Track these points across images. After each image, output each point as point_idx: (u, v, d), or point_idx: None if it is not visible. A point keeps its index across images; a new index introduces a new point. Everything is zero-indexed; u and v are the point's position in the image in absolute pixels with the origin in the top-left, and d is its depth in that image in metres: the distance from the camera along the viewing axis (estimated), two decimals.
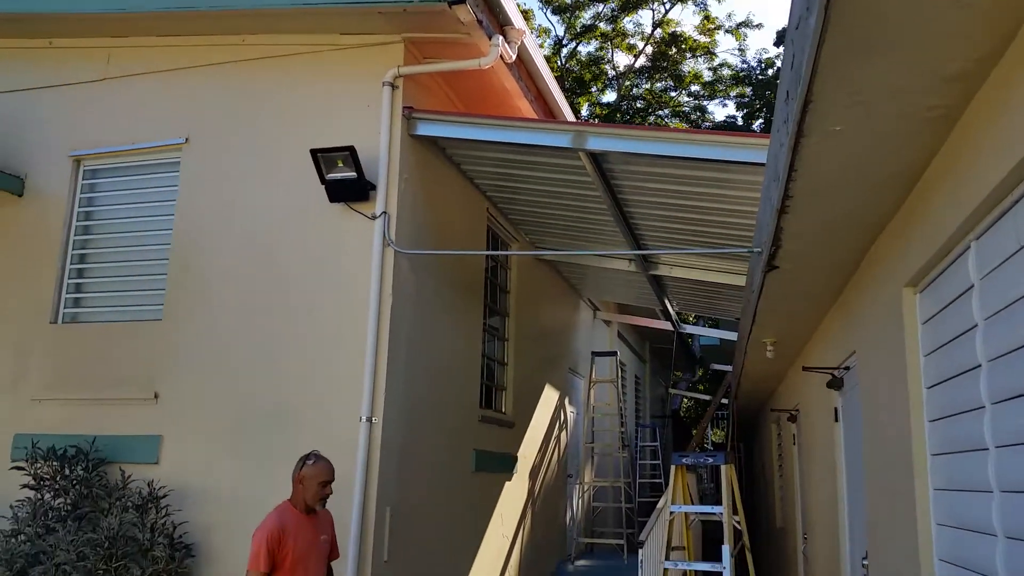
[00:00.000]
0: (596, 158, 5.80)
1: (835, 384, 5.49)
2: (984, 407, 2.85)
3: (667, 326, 12.39)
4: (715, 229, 6.77)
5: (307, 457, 4.24)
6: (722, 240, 6.93)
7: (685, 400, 26.91)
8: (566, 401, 10.65)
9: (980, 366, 2.88)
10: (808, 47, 2.39)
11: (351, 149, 5.36)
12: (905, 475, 3.74)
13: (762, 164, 4.54)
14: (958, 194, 2.86)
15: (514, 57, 6.00)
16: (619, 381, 12.30)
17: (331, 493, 4.24)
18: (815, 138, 2.91)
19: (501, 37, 5.78)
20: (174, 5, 6.08)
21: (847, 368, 5.30)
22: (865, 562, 4.81)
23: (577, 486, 11.05)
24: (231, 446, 5.64)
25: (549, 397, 9.72)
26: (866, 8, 2.13)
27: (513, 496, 8.09)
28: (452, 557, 6.47)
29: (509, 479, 7.97)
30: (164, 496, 5.48)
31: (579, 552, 10.57)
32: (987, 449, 2.83)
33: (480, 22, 5.51)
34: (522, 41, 6.05)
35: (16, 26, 6.97)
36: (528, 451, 8.71)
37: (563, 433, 10.42)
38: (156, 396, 5.90)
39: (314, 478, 4.15)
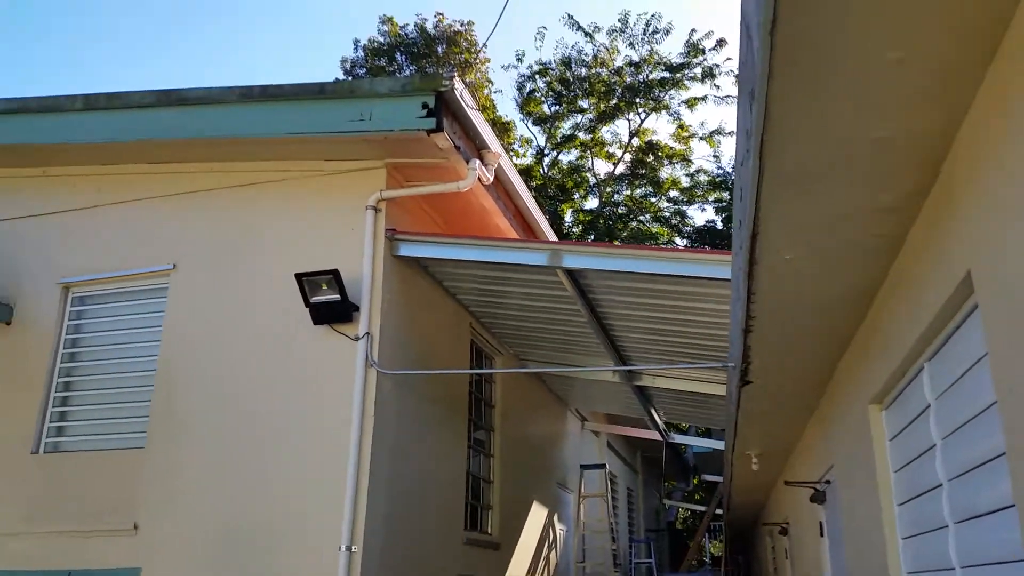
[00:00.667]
0: (573, 275, 5.97)
1: (818, 498, 5.47)
2: (947, 526, 2.87)
3: (657, 436, 12.30)
4: (694, 340, 6.87)
5: None
6: (701, 352, 7.03)
7: (681, 511, 26.28)
8: (555, 518, 10.44)
9: (941, 485, 2.92)
10: (749, 185, 2.56)
11: (335, 272, 5.51)
12: None
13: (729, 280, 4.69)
14: (908, 317, 2.97)
15: (491, 179, 6.26)
16: (609, 495, 12.09)
17: None
18: (767, 264, 3.05)
19: (478, 161, 6.05)
20: (162, 134, 6.35)
21: (828, 482, 5.29)
22: None
23: None
24: None
25: (537, 514, 9.53)
26: (796, 148, 2.31)
27: None
28: None
29: None
30: None
31: None
32: (953, 568, 2.83)
33: (458, 148, 5.78)
34: (498, 163, 6.33)
35: (6, 156, 7.23)
36: (516, 574, 8.47)
37: (552, 553, 10.15)
38: (136, 527, 5.78)
39: None
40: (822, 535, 5.71)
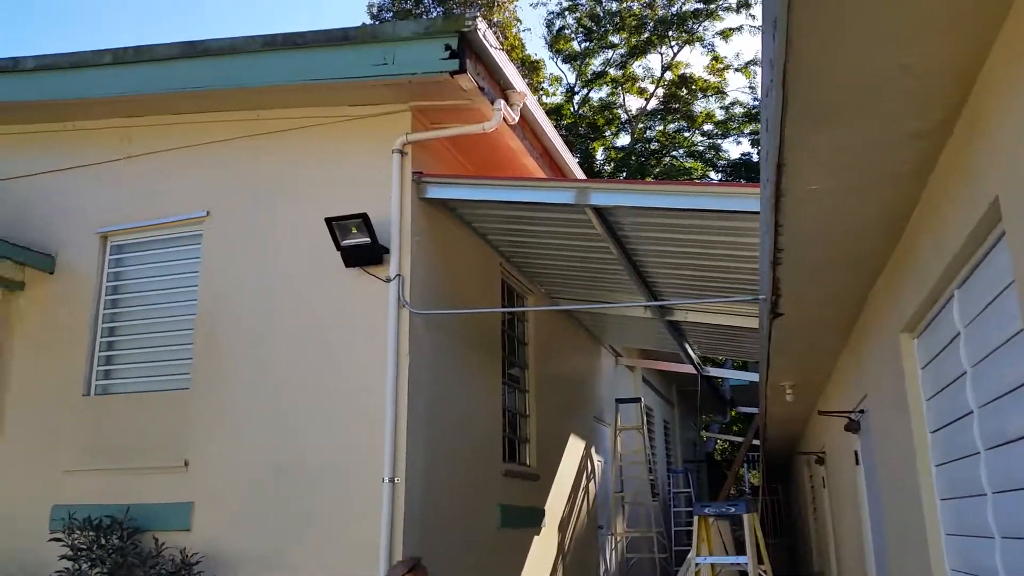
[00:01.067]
0: (602, 212, 5.94)
1: (852, 427, 5.49)
2: (979, 452, 2.89)
3: (691, 370, 12.35)
4: (725, 275, 6.84)
5: (412, 565, 4.30)
6: (732, 285, 6.99)
7: (719, 443, 26.51)
8: (592, 450, 10.63)
9: (972, 412, 2.93)
10: (774, 116, 2.52)
11: (364, 216, 5.56)
12: (918, 520, 3.74)
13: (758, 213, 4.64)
14: (938, 244, 2.94)
15: (517, 119, 6.20)
16: (645, 427, 12.24)
17: None
18: (794, 196, 3.02)
19: (503, 101, 5.99)
20: (188, 85, 6.39)
21: (862, 411, 5.31)
22: None
23: (609, 537, 10.94)
24: (259, 511, 5.75)
25: (575, 447, 9.72)
26: (820, 79, 2.26)
27: (542, 551, 8.06)
28: None
29: (537, 533, 7.96)
30: (197, 563, 5.59)
31: None
32: (985, 495, 2.85)
33: (482, 89, 5.72)
34: (524, 103, 6.26)
35: (40, 112, 7.34)
36: (556, 504, 8.70)
37: (591, 483, 10.38)
38: (186, 464, 6.06)
39: None
40: (857, 463, 5.76)
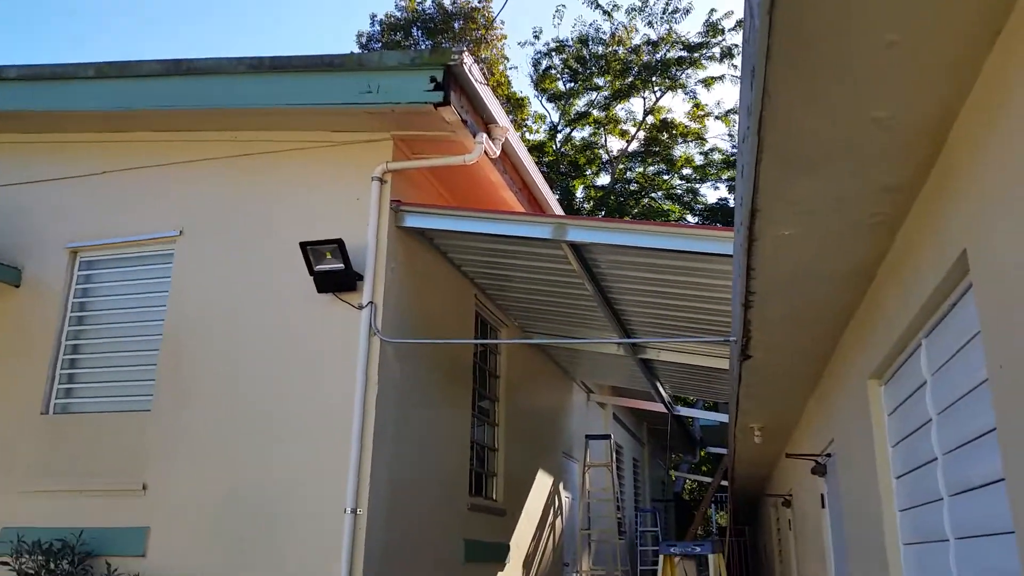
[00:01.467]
0: (578, 248, 5.99)
1: (819, 470, 5.53)
2: (942, 499, 2.92)
3: (662, 408, 12.38)
4: (698, 316, 6.90)
5: None
6: (705, 326, 7.06)
7: (688, 482, 26.50)
8: (560, 486, 10.57)
9: (936, 459, 2.96)
10: (749, 163, 2.58)
11: (339, 242, 5.55)
12: (881, 563, 3.76)
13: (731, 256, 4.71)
14: (907, 294, 3.00)
15: (498, 153, 6.26)
16: (614, 465, 12.21)
17: None
18: (767, 241, 3.07)
19: (485, 135, 6.05)
20: (171, 104, 6.38)
21: (829, 455, 5.35)
22: None
23: (574, 575, 10.84)
24: (218, 538, 5.63)
25: (543, 483, 9.66)
26: (794, 129, 2.32)
27: None
28: None
29: (502, 569, 7.87)
30: None
31: None
32: (947, 540, 2.88)
33: (465, 121, 5.78)
34: (506, 137, 6.33)
35: (17, 122, 7.28)
36: (521, 539, 8.61)
37: (558, 519, 10.30)
38: (144, 487, 5.92)
39: None
40: (823, 506, 5.79)
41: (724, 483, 14.33)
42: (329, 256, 5.58)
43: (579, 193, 25.23)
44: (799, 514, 7.42)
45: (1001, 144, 1.96)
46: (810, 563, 6.74)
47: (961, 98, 2.17)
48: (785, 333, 4.29)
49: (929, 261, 2.67)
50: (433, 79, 5.52)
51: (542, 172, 23.65)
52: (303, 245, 5.61)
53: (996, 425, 2.15)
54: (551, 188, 23.51)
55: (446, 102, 5.51)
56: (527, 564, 8.75)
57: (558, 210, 8.44)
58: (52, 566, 5.45)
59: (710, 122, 24.58)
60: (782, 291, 3.61)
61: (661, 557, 5.54)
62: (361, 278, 5.77)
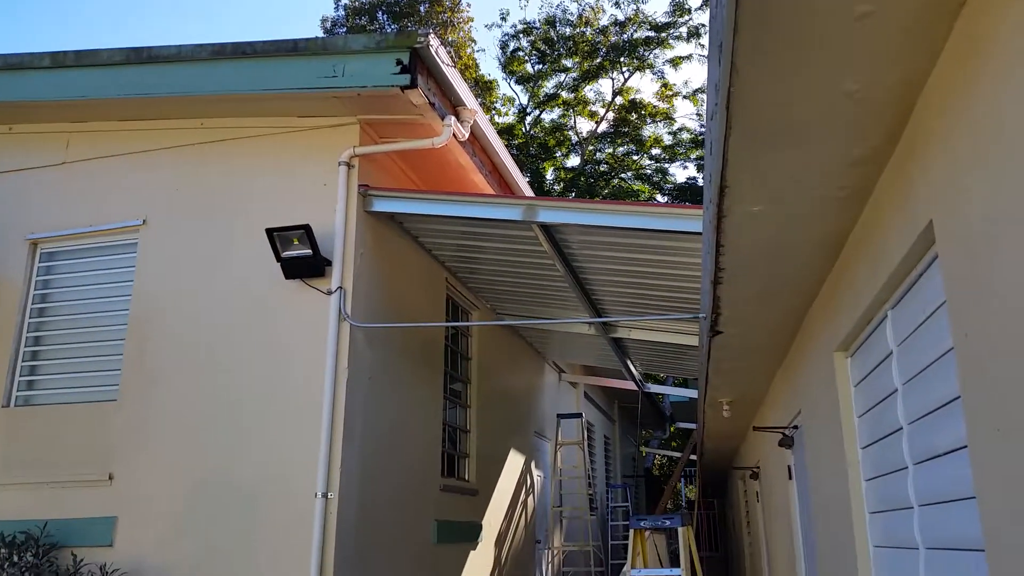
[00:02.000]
0: (549, 230, 6.00)
1: (786, 443, 5.63)
2: (907, 467, 2.99)
3: (633, 386, 12.51)
4: (668, 294, 6.96)
5: None
6: (675, 304, 7.13)
7: (658, 458, 26.86)
8: (532, 465, 10.65)
9: (902, 428, 3.03)
10: (717, 139, 2.59)
11: (306, 227, 5.50)
12: (847, 533, 3.85)
13: (701, 234, 4.75)
14: (873, 266, 3.05)
15: (467, 136, 6.23)
16: (586, 443, 12.32)
17: None
18: (736, 217, 3.10)
19: (454, 117, 6.01)
20: (133, 92, 6.24)
21: (795, 427, 5.45)
22: None
23: (546, 551, 10.96)
24: (188, 525, 5.59)
25: (515, 462, 9.72)
26: (762, 104, 2.33)
27: (479, 565, 8.02)
28: None
29: (474, 548, 7.92)
30: None
31: None
32: (912, 508, 2.95)
33: (432, 104, 5.74)
34: (474, 120, 6.29)
35: None
36: (494, 518, 8.67)
37: (530, 498, 10.39)
38: (111, 477, 5.85)
39: None
40: (790, 478, 5.90)
41: (693, 458, 14.56)
42: (296, 242, 5.53)
43: (549, 175, 25.26)
44: (767, 486, 7.56)
45: (966, 112, 2.00)
46: (777, 533, 6.88)
47: (929, 67, 2.20)
48: (754, 308, 4.35)
49: (896, 232, 2.71)
50: (399, 62, 5.46)
51: (512, 155, 23.66)
52: (269, 231, 5.55)
53: (960, 393, 2.20)
54: (521, 171, 23.50)
55: (413, 85, 5.46)
56: (499, 542, 8.81)
57: (528, 192, 8.44)
58: (15, 559, 5.36)
59: (678, 102, 24.68)
60: (751, 267, 3.66)
61: (631, 531, 5.62)
62: (330, 263, 5.72)
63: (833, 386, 3.93)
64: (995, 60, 1.80)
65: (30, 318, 6.63)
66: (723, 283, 3.90)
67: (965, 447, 2.33)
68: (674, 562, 13.03)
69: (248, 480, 5.55)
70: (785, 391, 5.71)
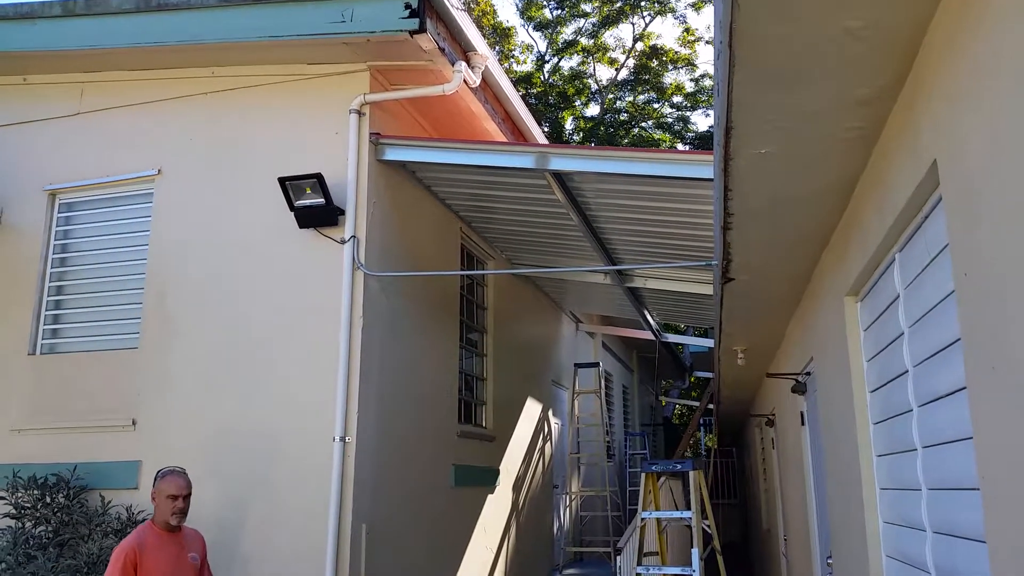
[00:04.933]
0: (562, 178, 5.96)
1: (799, 389, 5.64)
2: (912, 410, 3.00)
3: (651, 336, 12.54)
4: (683, 242, 6.92)
5: (158, 472, 4.16)
6: (690, 252, 7.09)
7: (678, 407, 27.04)
8: (550, 413, 10.77)
9: (907, 371, 3.03)
10: (723, 78, 2.55)
11: (318, 176, 5.51)
12: (855, 476, 3.88)
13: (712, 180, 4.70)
14: (881, 209, 3.01)
15: (478, 82, 6.16)
16: (603, 391, 12.43)
17: (184, 508, 4.08)
18: (743, 160, 3.07)
19: (464, 63, 5.94)
20: (144, 41, 6.23)
21: (808, 373, 5.45)
22: (830, 561, 4.94)
23: (564, 496, 11.15)
24: (210, 470, 5.75)
25: (532, 410, 9.84)
26: (766, 42, 2.29)
27: (496, 509, 8.20)
28: (433, 571, 6.57)
29: (492, 492, 8.08)
30: (143, 520, 5.57)
31: (567, 561, 10.67)
32: (916, 450, 2.97)
33: (443, 50, 5.67)
34: (486, 65, 6.22)
35: None
36: (511, 464, 8.82)
37: (547, 445, 10.54)
38: (134, 423, 6.01)
39: (162, 492, 4.05)
40: (803, 424, 5.93)
41: (711, 406, 14.64)
42: (309, 191, 5.55)
43: (568, 125, 24.97)
44: (781, 432, 7.61)
45: (968, 51, 1.95)
46: (791, 478, 6.95)
47: (934, 4, 2.14)
48: (765, 255, 4.32)
49: (902, 174, 2.68)
50: (408, 6, 5.39)
51: (530, 104, 23.42)
52: (282, 180, 5.57)
53: (960, 333, 2.20)
54: (540, 120, 23.31)
55: (422, 29, 5.40)
56: (517, 487, 8.98)
57: (542, 140, 8.37)
58: (48, 500, 5.56)
59: (700, 47, 24.13)
60: (760, 212, 3.62)
61: (643, 476, 5.71)
62: (343, 212, 5.75)
63: (843, 331, 3.92)
64: None
65: (52, 268, 6.75)
66: (732, 229, 3.87)
67: (963, 388, 2.33)
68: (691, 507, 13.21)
69: (267, 425, 5.69)
70: (798, 338, 5.70)
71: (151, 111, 6.69)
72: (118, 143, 6.71)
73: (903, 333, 3.06)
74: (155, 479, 4.14)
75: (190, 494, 4.15)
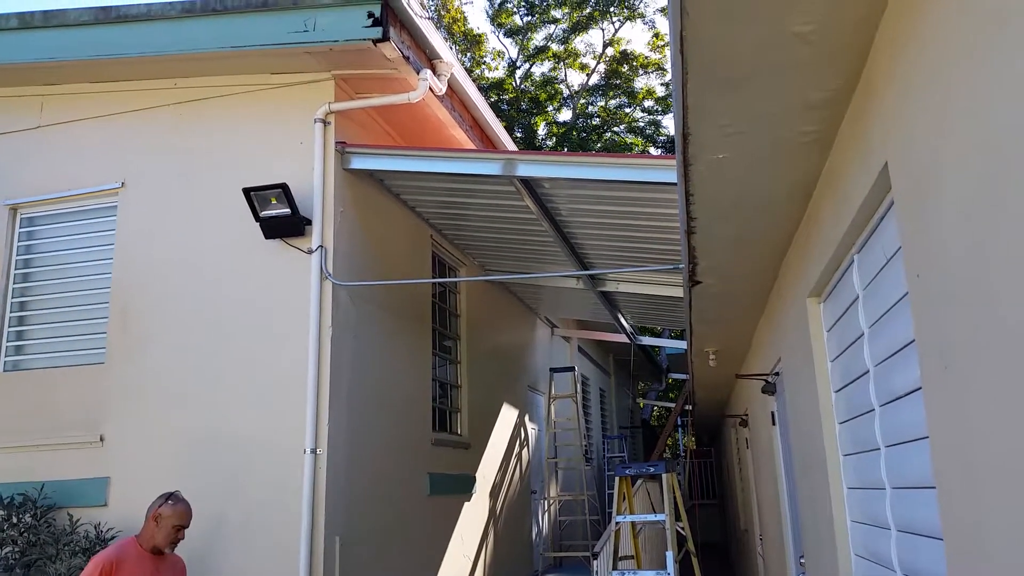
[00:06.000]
0: (530, 184, 5.97)
1: (768, 389, 5.68)
2: (874, 409, 3.03)
3: (626, 339, 12.58)
4: (654, 246, 6.96)
5: (168, 496, 4.09)
6: (660, 256, 7.13)
7: (656, 409, 27.15)
8: (526, 418, 10.76)
9: (868, 371, 3.06)
10: (677, 86, 2.57)
11: (283, 186, 5.47)
12: (823, 475, 3.91)
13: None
14: (838, 212, 3.04)
15: (444, 90, 6.16)
16: (579, 395, 12.44)
17: (183, 539, 4.08)
18: (701, 165, 3.09)
19: (430, 71, 5.94)
20: (104, 53, 6.16)
21: (777, 374, 5.50)
22: (802, 560, 4.97)
23: (542, 501, 11.14)
24: (180, 484, 5.67)
25: (508, 416, 9.82)
26: (715, 48, 2.31)
27: (473, 516, 8.17)
28: None
29: (468, 500, 8.05)
30: (112, 538, 5.49)
31: (546, 566, 10.65)
32: (879, 449, 3.00)
33: (407, 58, 5.66)
34: (452, 73, 6.21)
35: None
36: (488, 471, 8.80)
37: (524, 450, 10.52)
38: (101, 439, 5.92)
39: (170, 519, 4.00)
40: (774, 423, 5.97)
41: (688, 407, 14.72)
42: (274, 201, 5.51)
43: (541, 130, 25.02)
44: (754, 433, 7.66)
45: (913, 52, 1.98)
46: (765, 478, 7.00)
47: (882, 5, 2.17)
48: (730, 257, 4.35)
49: (856, 176, 2.71)
50: (371, 14, 5.38)
51: (502, 110, 23.44)
52: (247, 191, 5.53)
53: (914, 333, 2.22)
54: (513, 126, 23.35)
55: (385, 38, 5.39)
56: (494, 494, 8.96)
57: (511, 147, 8.38)
58: (15, 519, 5.46)
59: (670, 52, 24.32)
60: (723, 216, 3.65)
61: (617, 479, 5.73)
62: (309, 222, 5.71)
63: (807, 332, 3.96)
64: None
65: (14, 284, 6.64)
66: (696, 232, 3.90)
67: (919, 389, 2.36)
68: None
69: (237, 438, 5.62)
70: (766, 339, 5.75)
71: (113, 123, 6.61)
72: (80, 156, 6.62)
73: (863, 334, 3.09)
74: (161, 500, 4.06)
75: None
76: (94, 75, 6.61)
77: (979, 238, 1.66)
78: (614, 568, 5.42)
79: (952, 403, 1.91)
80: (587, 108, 25.24)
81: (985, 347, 1.67)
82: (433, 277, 7.73)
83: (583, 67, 24.89)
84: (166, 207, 6.25)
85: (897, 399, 2.70)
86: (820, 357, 3.86)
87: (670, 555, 5.15)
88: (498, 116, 7.38)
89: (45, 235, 6.70)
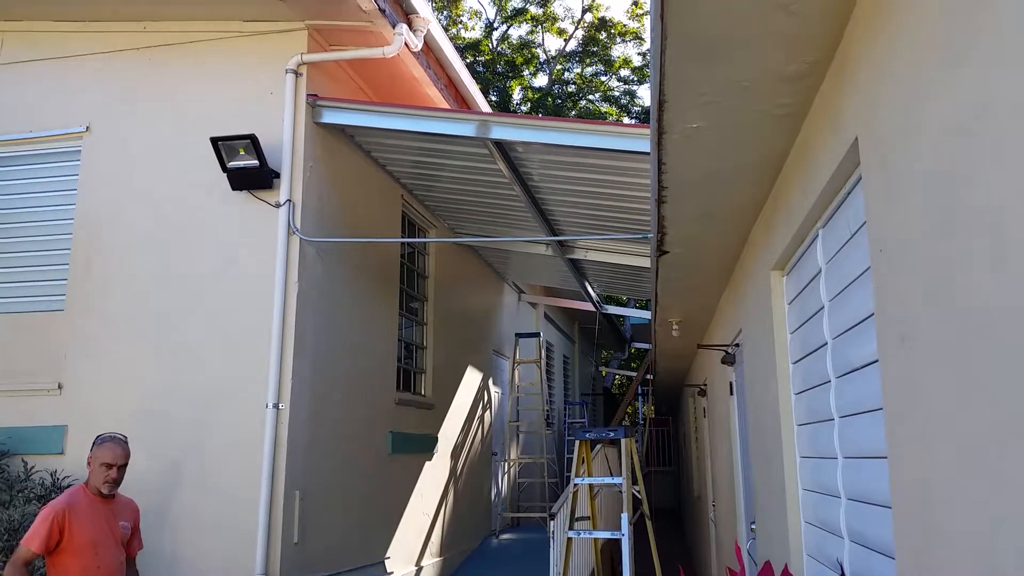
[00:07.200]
0: (504, 148, 5.94)
1: (728, 360, 5.78)
2: (830, 381, 3.11)
3: (592, 308, 12.67)
4: (623, 215, 6.99)
5: (98, 437, 4.06)
6: (629, 225, 7.16)
7: (617, 377, 27.50)
8: (490, 382, 10.84)
9: (827, 344, 3.14)
10: (655, 53, 2.57)
11: (252, 137, 5.38)
12: (777, 444, 4.01)
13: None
14: (806, 186, 3.09)
15: (419, 46, 6.07)
16: (543, 361, 12.55)
17: (116, 478, 3.97)
18: (675, 134, 3.10)
19: (406, 26, 5.84)
20: None
21: (737, 345, 5.60)
22: (753, 526, 5.12)
23: (502, 463, 11.28)
24: (138, 435, 5.63)
25: (471, 379, 9.88)
26: (696, 15, 2.31)
27: (434, 475, 8.25)
28: (368, 536, 6.60)
29: (430, 459, 8.12)
30: (68, 486, 5.44)
31: (504, 526, 10.82)
32: (832, 420, 3.08)
33: (383, 11, 5.56)
34: (428, 29, 6.12)
35: None
36: (450, 432, 8.87)
37: (487, 413, 10.61)
38: (60, 387, 5.84)
39: (97, 459, 3.96)
40: (732, 393, 6.10)
41: (649, 376, 14.93)
42: (243, 152, 5.41)
43: (516, 95, 24.81)
44: (712, 402, 7.81)
45: (887, 27, 2.00)
46: (720, 447, 7.16)
47: None
48: (698, 228, 4.40)
49: (827, 150, 2.74)
50: None
51: (478, 72, 23.17)
52: (214, 140, 5.42)
53: (874, 308, 2.27)
54: (488, 89, 23.12)
55: None
56: (455, 454, 9.04)
57: (486, 108, 8.31)
58: None
59: (648, 20, 24.18)
60: (693, 186, 3.68)
61: (577, 443, 5.82)
62: (278, 175, 5.63)
63: (769, 304, 4.03)
64: None
65: None
66: (667, 202, 3.93)
67: (876, 361, 2.42)
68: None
69: (199, 391, 5.59)
70: (729, 310, 5.84)
71: (79, 66, 6.41)
72: (44, 98, 6.42)
73: (824, 307, 3.15)
74: (93, 443, 4.03)
75: (126, 464, 4.03)
76: (61, 13, 6.39)
77: (944, 215, 1.70)
78: (570, 528, 5.54)
79: (907, 375, 1.97)
80: (563, 74, 25.08)
81: (942, 321, 1.72)
82: (402, 237, 7.69)
83: (561, 32, 24.66)
84: (132, 153, 6.11)
85: (853, 371, 2.77)
86: (780, 329, 3.94)
87: (625, 517, 5.27)
88: (473, 78, 7.32)
89: (5, 177, 6.51)
